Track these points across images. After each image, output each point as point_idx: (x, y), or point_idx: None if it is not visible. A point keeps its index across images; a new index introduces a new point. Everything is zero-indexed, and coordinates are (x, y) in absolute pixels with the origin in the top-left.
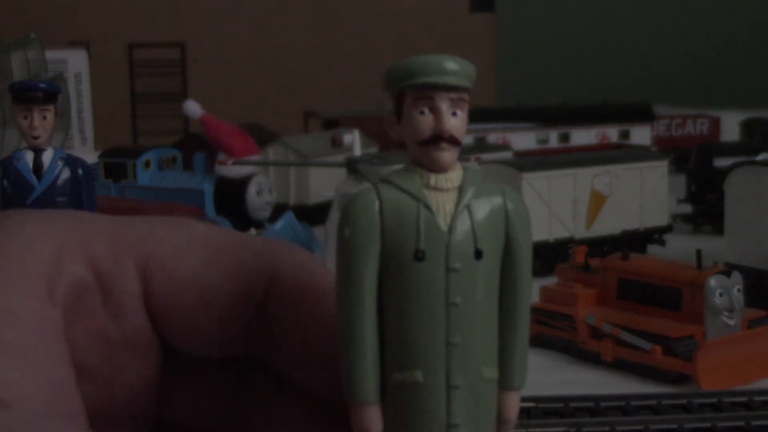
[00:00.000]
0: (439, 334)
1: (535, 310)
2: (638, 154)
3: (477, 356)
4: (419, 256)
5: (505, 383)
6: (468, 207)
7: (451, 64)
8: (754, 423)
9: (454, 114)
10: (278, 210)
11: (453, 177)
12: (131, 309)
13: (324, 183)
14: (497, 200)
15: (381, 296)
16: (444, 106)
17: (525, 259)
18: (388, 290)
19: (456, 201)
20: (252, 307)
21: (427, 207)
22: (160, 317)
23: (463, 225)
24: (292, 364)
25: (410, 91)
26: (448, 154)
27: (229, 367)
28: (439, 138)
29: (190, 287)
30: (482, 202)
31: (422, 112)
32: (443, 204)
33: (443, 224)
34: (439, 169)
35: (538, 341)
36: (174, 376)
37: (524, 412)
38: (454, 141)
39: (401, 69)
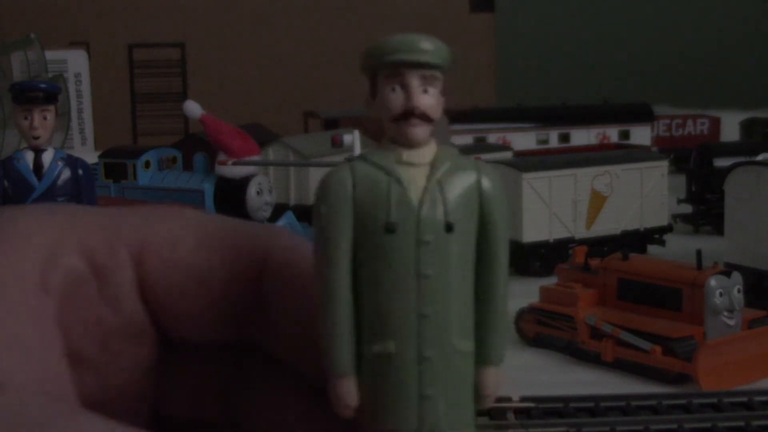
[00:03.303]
0: (410, 306)
1: (535, 310)
2: (638, 154)
3: (449, 328)
4: (390, 228)
5: (481, 358)
6: (440, 181)
7: (421, 42)
8: (754, 423)
9: (425, 91)
10: (278, 210)
11: (426, 153)
12: (126, 297)
13: None
14: (471, 176)
15: (357, 269)
16: (415, 83)
17: (500, 236)
18: (362, 263)
19: (428, 176)
20: (246, 291)
21: (399, 181)
22: (156, 304)
23: (433, 198)
24: (287, 346)
25: (382, 69)
26: (419, 130)
27: (225, 354)
28: (409, 114)
29: (185, 273)
30: (455, 178)
31: (393, 90)
32: (415, 178)
33: (414, 198)
34: (412, 144)
35: (538, 341)
36: (170, 365)
37: (524, 412)
38: (425, 117)
39: (374, 49)
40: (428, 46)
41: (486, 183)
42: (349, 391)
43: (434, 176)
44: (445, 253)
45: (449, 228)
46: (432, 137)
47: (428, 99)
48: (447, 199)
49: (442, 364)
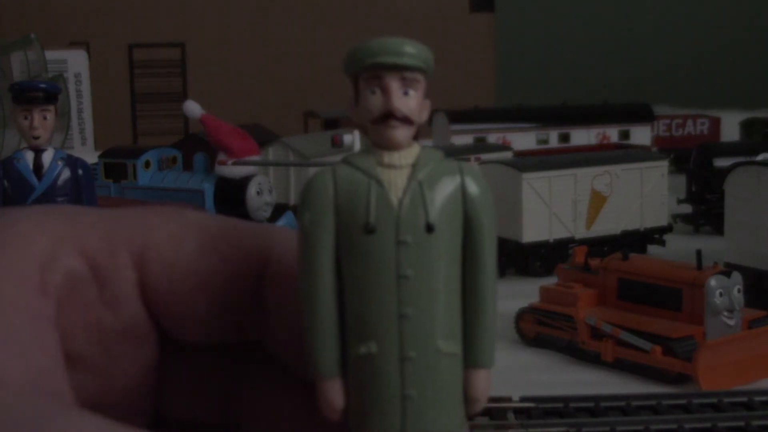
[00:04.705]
0: (391, 306)
1: (535, 310)
2: (638, 154)
3: (433, 329)
4: (369, 229)
5: (470, 361)
6: (420, 183)
7: (401, 45)
8: (754, 423)
9: (405, 93)
10: (278, 210)
11: (408, 155)
12: (127, 299)
13: None
14: (454, 178)
15: (341, 272)
16: (394, 85)
17: (487, 238)
18: (345, 265)
19: (409, 177)
20: (247, 291)
21: (379, 183)
22: (157, 306)
23: (413, 200)
24: (286, 347)
25: (363, 72)
26: (399, 132)
27: (225, 355)
28: (388, 116)
29: (186, 274)
30: (437, 180)
31: (373, 92)
32: (395, 180)
33: (394, 199)
34: (392, 146)
35: (538, 341)
36: (171, 367)
37: (524, 412)
38: (405, 120)
39: (355, 52)
40: (408, 49)
41: (470, 185)
42: (334, 394)
43: (415, 178)
44: (427, 253)
45: (430, 228)
46: (415, 139)
47: (409, 101)
48: (428, 200)
49: (425, 365)
